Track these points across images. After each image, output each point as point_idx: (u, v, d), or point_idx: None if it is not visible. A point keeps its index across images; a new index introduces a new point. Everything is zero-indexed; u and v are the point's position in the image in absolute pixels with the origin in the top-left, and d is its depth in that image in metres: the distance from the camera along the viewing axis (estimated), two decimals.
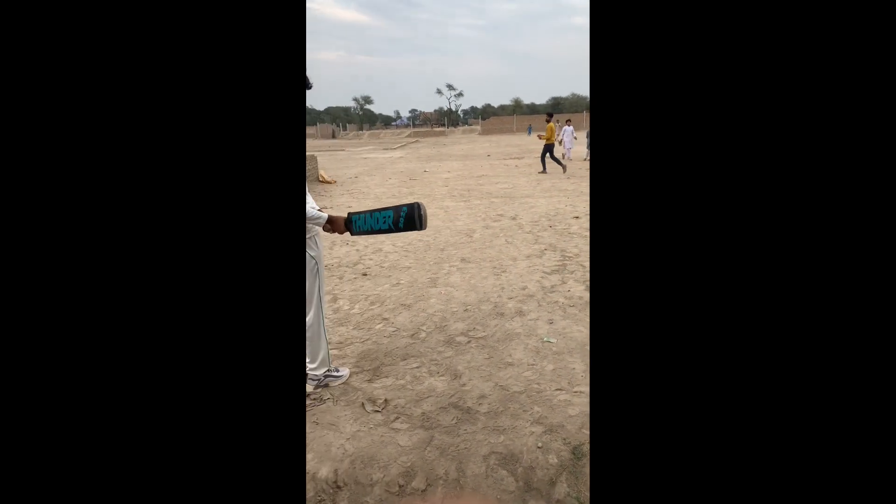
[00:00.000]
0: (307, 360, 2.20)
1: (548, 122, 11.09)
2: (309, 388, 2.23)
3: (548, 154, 10.74)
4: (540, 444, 1.78)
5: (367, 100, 73.17)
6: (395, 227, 1.93)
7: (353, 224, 2.04)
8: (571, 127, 12.91)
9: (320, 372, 2.22)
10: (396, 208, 1.91)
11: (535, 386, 2.18)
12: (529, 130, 24.12)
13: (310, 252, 2.07)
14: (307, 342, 2.16)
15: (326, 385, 2.24)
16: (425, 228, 1.93)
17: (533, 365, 2.37)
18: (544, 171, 10.80)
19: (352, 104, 71.35)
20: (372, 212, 1.98)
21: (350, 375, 2.32)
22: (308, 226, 2.02)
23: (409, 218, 1.89)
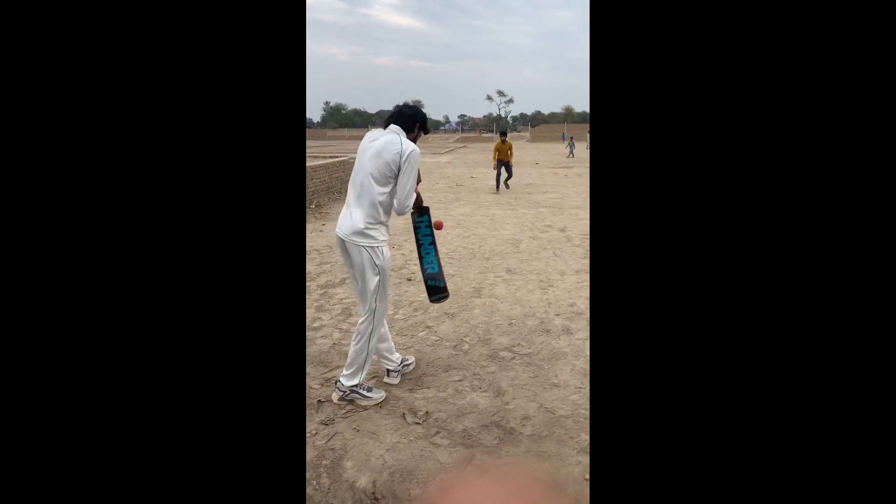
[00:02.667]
0: (345, 367, 2.12)
1: (503, 141, 9.32)
2: (333, 397, 2.11)
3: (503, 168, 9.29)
4: (587, 477, 1.68)
5: (418, 104, 74.33)
6: (427, 275, 2.31)
7: (419, 220, 2.29)
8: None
9: (348, 383, 2.07)
10: (438, 274, 2.30)
11: (583, 411, 2.08)
12: (563, 137, 24.16)
13: (375, 260, 1.98)
14: (351, 346, 2.10)
15: (351, 400, 2.09)
16: (431, 301, 2.33)
17: (580, 388, 2.27)
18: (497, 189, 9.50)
19: None
20: (433, 243, 2.34)
21: (385, 398, 2.14)
22: (377, 234, 1.97)
23: (433, 288, 2.29)
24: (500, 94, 73.60)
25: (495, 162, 9.38)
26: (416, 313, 3.22)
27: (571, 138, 23.72)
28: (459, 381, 2.35)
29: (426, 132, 2.14)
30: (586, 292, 3.57)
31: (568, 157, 19.57)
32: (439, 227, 2.36)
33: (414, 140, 2.07)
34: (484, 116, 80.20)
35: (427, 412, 2.07)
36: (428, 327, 2.99)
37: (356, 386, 2.09)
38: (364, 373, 2.10)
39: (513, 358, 2.58)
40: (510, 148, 9.33)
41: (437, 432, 1.94)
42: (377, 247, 1.98)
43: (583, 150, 25.04)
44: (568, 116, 66.50)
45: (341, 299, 3.46)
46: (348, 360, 2.10)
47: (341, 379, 2.11)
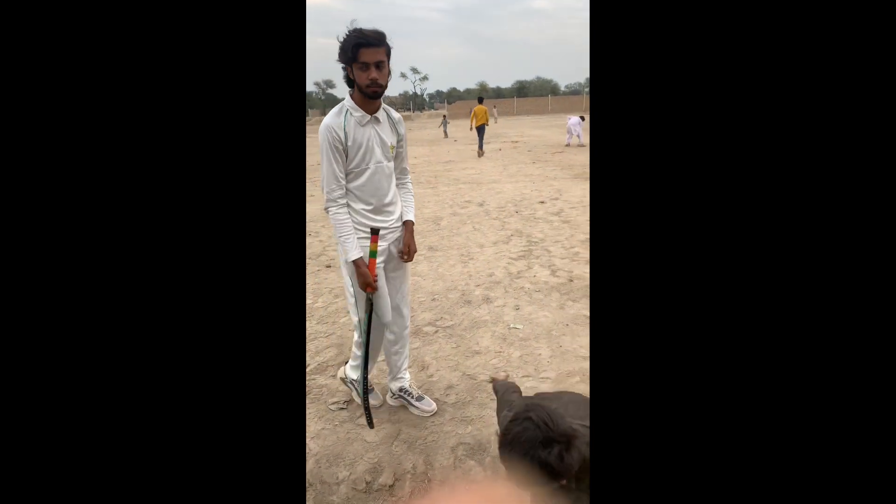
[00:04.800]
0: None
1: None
2: (376, 400, 1.91)
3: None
4: None
5: (330, 84, 71.08)
6: None
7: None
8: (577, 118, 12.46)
9: (395, 385, 1.86)
10: None
11: (503, 373, 2.19)
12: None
13: (340, 255, 1.61)
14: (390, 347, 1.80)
15: (401, 404, 1.88)
16: None
17: (500, 352, 2.38)
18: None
19: (313, 88, 69.13)
20: None
21: (434, 412, 1.86)
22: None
23: None
24: (415, 71, 72.59)
25: (473, 123, 11.20)
26: (336, 300, 3.16)
27: (444, 116, 21.04)
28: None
29: (356, 58, 1.41)
30: (504, 262, 3.72)
31: (444, 138, 17.41)
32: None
33: (357, 78, 1.45)
34: (400, 94, 78.84)
35: (351, 397, 2.07)
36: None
37: (405, 388, 1.88)
38: (399, 366, 1.86)
39: (436, 332, 2.64)
40: (485, 112, 11.09)
41: (363, 414, 1.95)
42: (341, 237, 1.53)
43: (493, 124, 25.58)
44: (483, 92, 67.43)
45: None
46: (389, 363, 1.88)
47: (390, 383, 1.89)
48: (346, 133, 1.47)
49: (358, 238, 1.54)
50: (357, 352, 1.82)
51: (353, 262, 1.52)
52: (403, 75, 79.72)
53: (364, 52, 1.40)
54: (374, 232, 1.52)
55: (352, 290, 1.66)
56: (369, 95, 1.47)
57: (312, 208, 5.69)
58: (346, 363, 1.97)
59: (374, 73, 1.41)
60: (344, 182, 1.51)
